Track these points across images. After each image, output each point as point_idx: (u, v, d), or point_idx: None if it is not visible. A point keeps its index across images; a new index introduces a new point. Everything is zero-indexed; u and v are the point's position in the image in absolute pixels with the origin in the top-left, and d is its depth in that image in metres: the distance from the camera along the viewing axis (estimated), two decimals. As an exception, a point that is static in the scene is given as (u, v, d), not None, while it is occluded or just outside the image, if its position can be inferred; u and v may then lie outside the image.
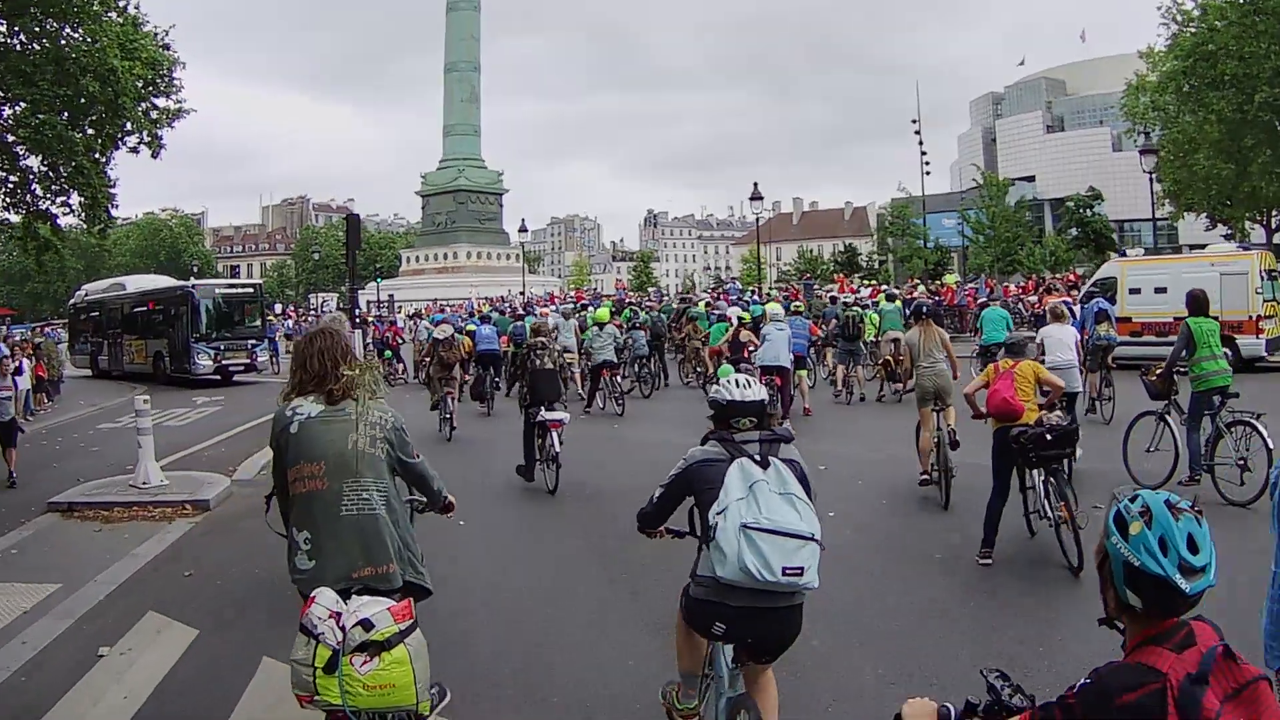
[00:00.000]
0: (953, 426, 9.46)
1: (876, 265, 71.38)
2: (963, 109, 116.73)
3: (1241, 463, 8.48)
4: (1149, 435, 9.50)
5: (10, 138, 18.47)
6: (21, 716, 4.94)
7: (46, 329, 49.90)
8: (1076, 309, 15.86)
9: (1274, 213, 34.46)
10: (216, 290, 29.81)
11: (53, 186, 20.87)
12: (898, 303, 20.81)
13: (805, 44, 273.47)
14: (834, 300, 24.00)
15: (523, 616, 6.37)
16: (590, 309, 25.50)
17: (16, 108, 18.45)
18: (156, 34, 20.69)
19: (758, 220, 42.03)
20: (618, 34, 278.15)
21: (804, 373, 16.30)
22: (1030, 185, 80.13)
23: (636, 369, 20.15)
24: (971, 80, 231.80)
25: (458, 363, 16.12)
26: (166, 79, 20.79)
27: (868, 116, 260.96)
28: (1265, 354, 18.26)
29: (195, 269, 76.37)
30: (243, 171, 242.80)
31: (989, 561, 7.05)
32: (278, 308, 55.73)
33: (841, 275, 50.02)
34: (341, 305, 54.32)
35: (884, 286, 36.20)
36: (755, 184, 36.62)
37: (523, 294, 49.99)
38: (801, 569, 3.44)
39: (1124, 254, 24.37)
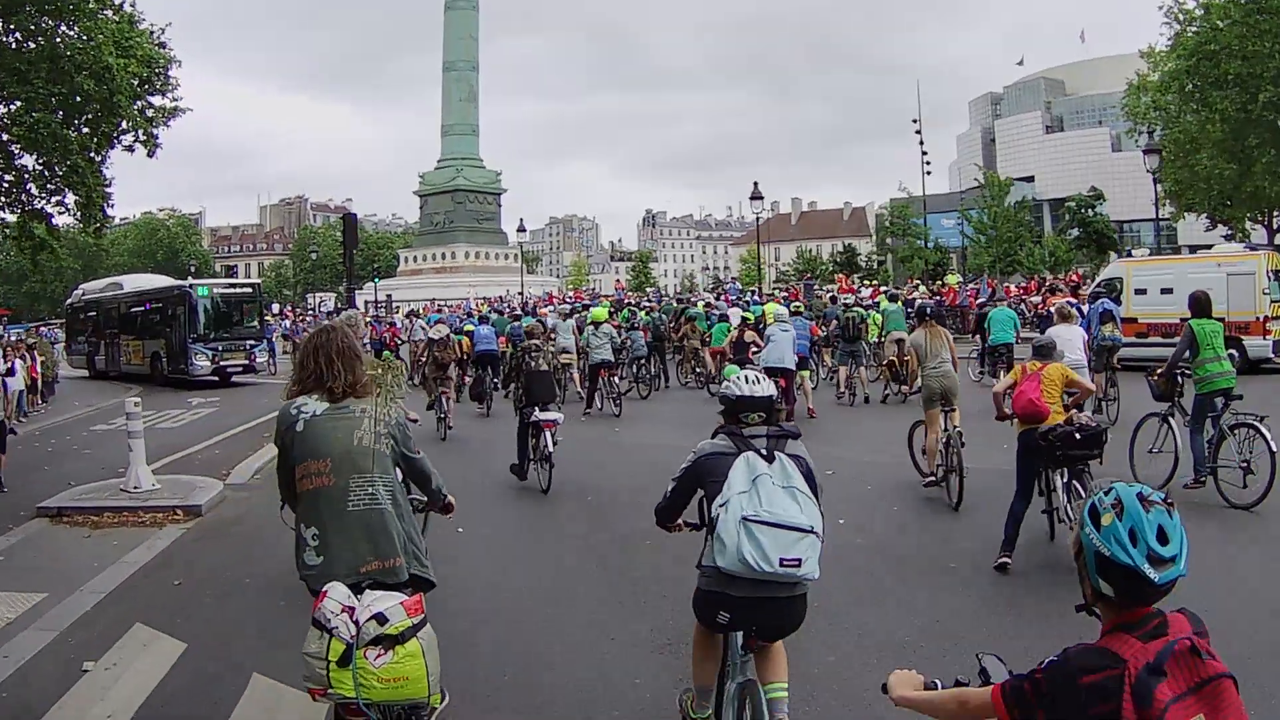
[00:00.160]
0: (958, 428, 9.34)
1: (875, 266, 71.23)
2: (962, 109, 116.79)
3: (1244, 465, 8.40)
4: (1155, 437, 9.42)
5: (5, 136, 18.25)
6: (0, 735, 4.76)
7: (42, 329, 49.72)
8: (1085, 308, 15.68)
9: (1276, 213, 34.27)
10: (215, 289, 29.38)
11: (48, 185, 20.72)
12: (900, 303, 20.66)
13: (805, 44, 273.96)
14: (834, 300, 23.82)
15: (522, 617, 6.34)
16: (589, 309, 25.30)
17: (11, 106, 18.25)
18: (152, 32, 20.52)
19: (758, 220, 41.88)
20: (617, 34, 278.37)
21: (806, 374, 16.12)
22: (1029, 186, 79.99)
23: (635, 370, 19.96)
24: (971, 80, 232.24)
25: (453, 362, 16.03)
26: (162, 77, 20.63)
27: (867, 116, 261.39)
28: (1272, 355, 18.02)
29: (193, 269, 75.97)
30: (241, 171, 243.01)
31: (1008, 560, 6.91)
32: (275, 308, 55.51)
33: (843, 275, 49.83)
34: (339, 305, 54.15)
35: (883, 287, 36.08)
36: (755, 183, 36.50)
37: (521, 294, 49.75)
38: (799, 560, 3.54)
39: (1129, 254, 24.22)
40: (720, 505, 3.64)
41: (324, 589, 3.35)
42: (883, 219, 77.55)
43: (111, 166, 20.66)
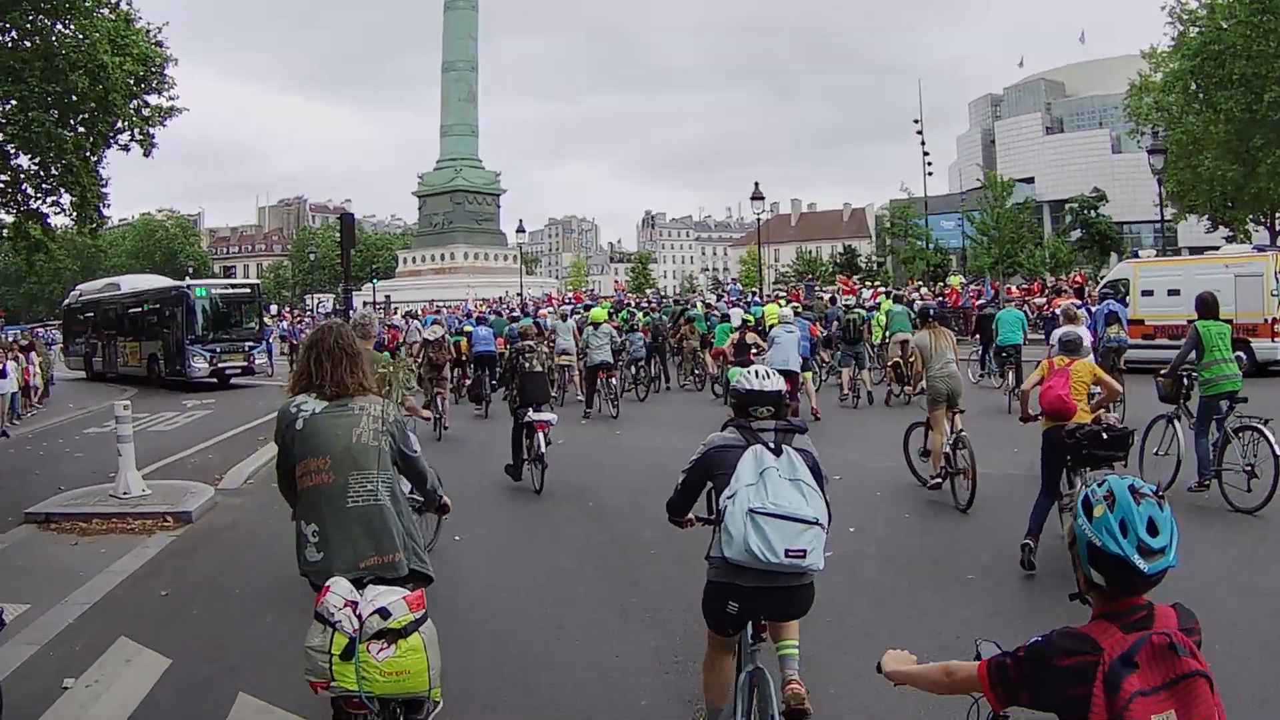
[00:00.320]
0: (962, 430, 9.26)
1: (875, 267, 71.04)
2: (962, 110, 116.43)
3: (1248, 469, 8.30)
4: (1160, 439, 9.36)
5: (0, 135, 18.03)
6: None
7: (39, 330, 49.49)
8: (1093, 309, 15.54)
9: (1279, 214, 34.10)
10: (213, 290, 28.97)
11: (43, 185, 20.54)
12: (904, 304, 20.50)
13: (805, 44, 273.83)
14: (833, 301, 23.62)
15: (521, 618, 6.31)
16: (589, 310, 25.09)
17: (6, 105, 18.04)
18: (149, 30, 20.35)
19: (759, 220, 41.63)
20: (617, 34, 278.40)
21: (809, 375, 15.92)
22: (1029, 187, 79.87)
23: (634, 372, 19.76)
24: (971, 80, 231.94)
25: (448, 363, 15.94)
26: (158, 76, 20.44)
27: (867, 117, 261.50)
28: None
29: (191, 270, 75.71)
30: (240, 171, 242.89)
31: (1030, 544, 6.81)
32: (273, 309, 55.27)
33: (845, 276, 49.63)
34: (337, 306, 53.90)
35: (883, 288, 35.88)
36: (756, 184, 36.27)
37: (520, 295, 49.53)
38: (804, 551, 3.62)
39: (1135, 255, 24.01)
40: (728, 497, 3.71)
41: (327, 584, 3.39)
42: (883, 220, 77.38)
43: (108, 166, 20.44)
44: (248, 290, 31.10)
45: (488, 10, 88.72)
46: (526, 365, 10.94)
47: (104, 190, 20.76)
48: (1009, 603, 6.40)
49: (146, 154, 20.75)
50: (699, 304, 28.49)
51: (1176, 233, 61.87)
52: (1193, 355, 8.89)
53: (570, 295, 53.52)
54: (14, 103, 17.79)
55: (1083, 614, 2.28)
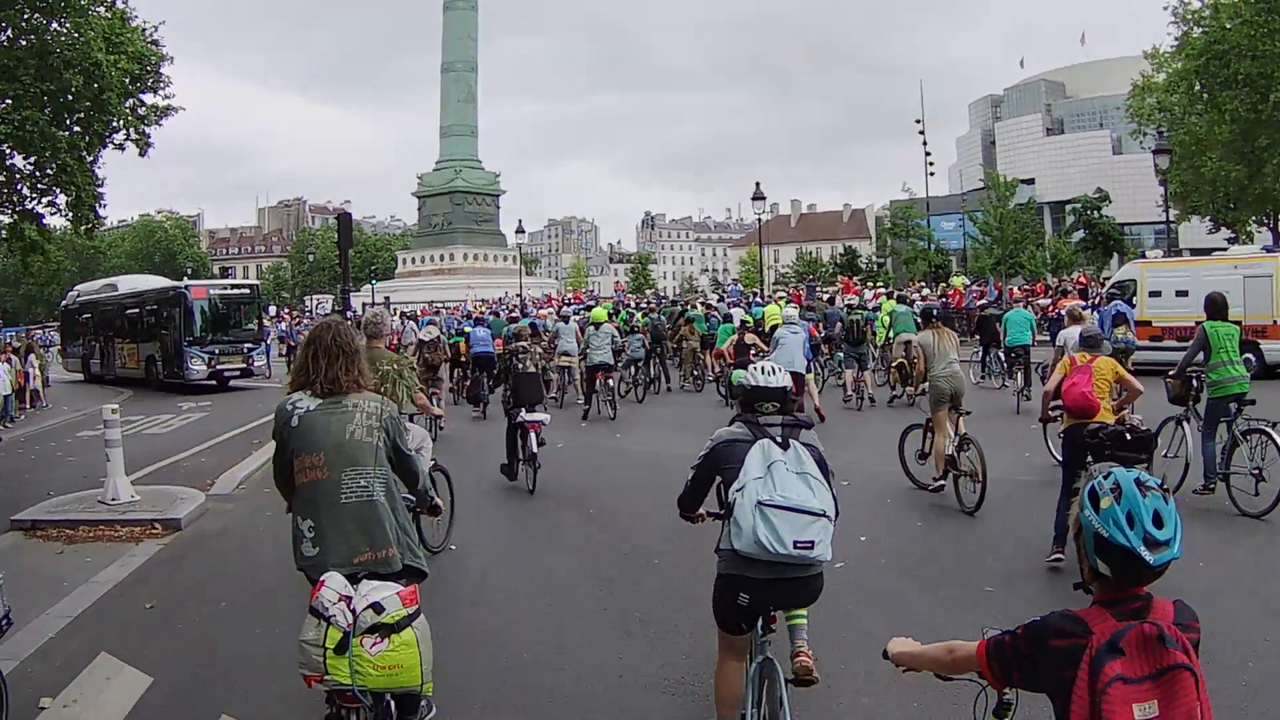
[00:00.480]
0: (966, 433, 9.15)
1: (876, 268, 70.83)
2: (961, 111, 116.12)
3: (1256, 472, 8.21)
4: (1169, 441, 9.28)
5: (-7, 134, 17.82)
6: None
7: (37, 332, 49.26)
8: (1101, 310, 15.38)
9: (1282, 215, 33.93)
10: (211, 290, 28.56)
11: (38, 186, 20.34)
12: (909, 305, 20.30)
13: (805, 44, 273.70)
14: (831, 302, 23.42)
15: (519, 618, 6.29)
16: (591, 310, 24.89)
17: (1, 104, 17.84)
18: (145, 29, 20.16)
19: (759, 220, 41.42)
20: (617, 34, 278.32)
21: (810, 376, 15.73)
22: (1029, 188, 79.71)
23: (632, 373, 19.55)
24: (971, 81, 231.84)
25: (443, 363, 15.83)
26: (154, 74, 20.26)
27: (867, 117, 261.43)
28: None
29: (190, 271, 75.42)
30: (240, 171, 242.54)
31: (1060, 558, 6.69)
32: (271, 310, 55.00)
33: (847, 278, 49.42)
34: (336, 307, 53.67)
35: (882, 289, 35.67)
36: (757, 184, 36.11)
37: (519, 296, 49.32)
38: (812, 542, 3.69)
39: (1143, 256, 23.79)
40: (737, 490, 3.78)
41: (322, 578, 3.43)
42: (883, 221, 77.15)
43: (103, 166, 20.24)
44: (247, 291, 30.65)
45: (488, 10, 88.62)
46: (520, 366, 11.06)
47: (99, 190, 20.60)
48: (1030, 616, 6.14)
49: (142, 153, 20.57)
50: (699, 305, 28.25)
51: (1177, 234, 61.64)
52: (1200, 356, 8.80)
53: (570, 296, 53.29)
54: (8, 101, 17.61)
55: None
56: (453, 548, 8.05)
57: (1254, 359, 14.04)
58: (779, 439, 3.90)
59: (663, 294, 64.56)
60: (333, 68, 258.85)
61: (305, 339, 4.01)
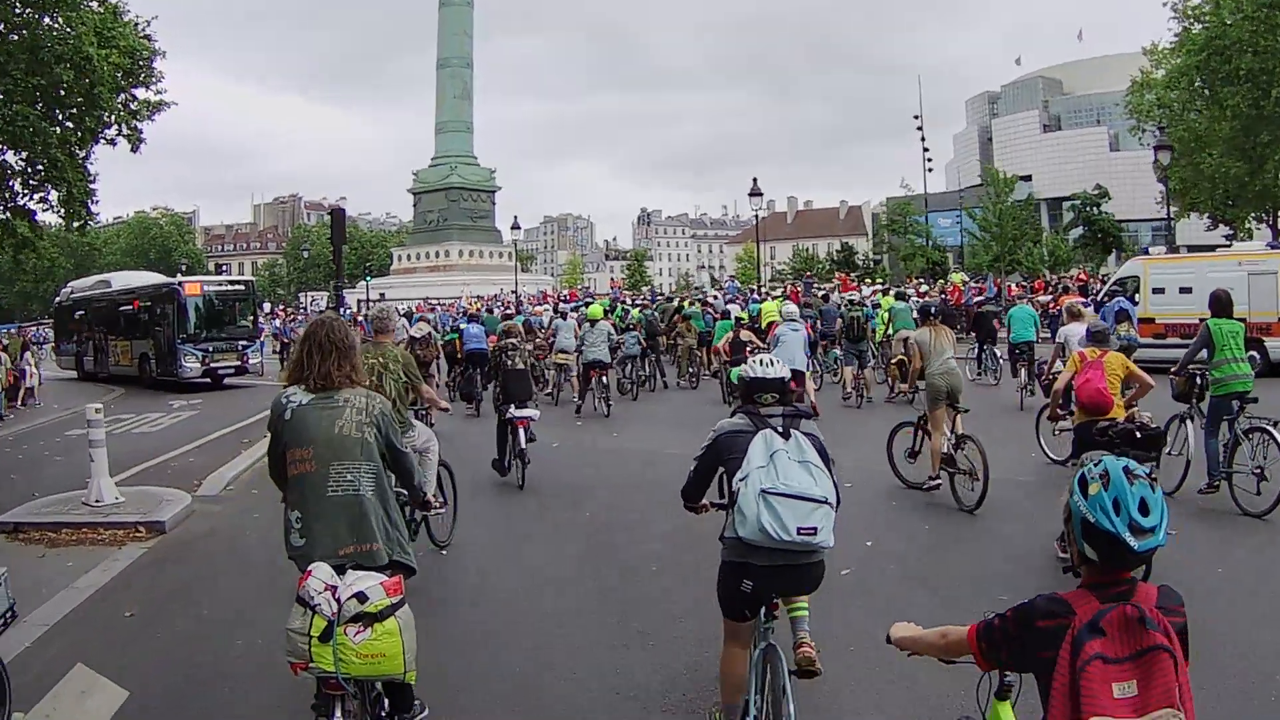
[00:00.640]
0: (962, 431, 9.08)
1: (872, 264, 70.71)
2: (959, 110, 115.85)
3: (1258, 471, 8.14)
4: (1172, 439, 9.05)
5: (-14, 130, 17.63)
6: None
7: (31, 329, 48.93)
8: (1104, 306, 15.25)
9: (1282, 212, 33.83)
10: (205, 287, 28.04)
11: (30, 181, 20.15)
12: (908, 302, 20.18)
13: (805, 44, 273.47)
14: (826, 299, 23.21)
15: (518, 617, 6.25)
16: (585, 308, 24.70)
17: (-8, 99, 17.63)
18: (137, 24, 19.98)
19: (757, 216, 41.15)
20: (617, 34, 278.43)
21: (807, 372, 15.55)
22: (1027, 185, 79.65)
23: (627, 370, 19.36)
24: (970, 80, 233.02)
25: (433, 360, 15.73)
26: (146, 69, 20.07)
27: (866, 116, 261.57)
28: None
29: (184, 267, 75.09)
30: (240, 170, 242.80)
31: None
32: (266, 307, 54.74)
33: (844, 274, 49.23)
34: (329, 304, 53.43)
35: (879, 285, 35.54)
36: (755, 179, 35.84)
37: (515, 293, 49.09)
38: (815, 529, 3.76)
39: (1146, 252, 23.63)
40: (740, 479, 3.85)
41: (309, 568, 3.50)
42: (880, 218, 77.00)
43: (96, 162, 20.06)
44: (241, 287, 30.03)
45: (488, 10, 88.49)
46: (509, 363, 11.18)
47: (91, 186, 20.40)
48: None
49: (134, 149, 20.40)
50: (696, 302, 27.99)
51: (1174, 231, 61.57)
52: (1203, 354, 8.73)
53: (566, 293, 53.06)
54: (0, 96, 17.41)
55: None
56: (444, 551, 7.91)
57: (1257, 357, 13.85)
58: (780, 429, 3.96)
59: (659, 291, 64.27)
60: (332, 68, 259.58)
61: (302, 335, 4.09)
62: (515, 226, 52.21)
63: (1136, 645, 2.14)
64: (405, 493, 4.47)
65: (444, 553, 7.89)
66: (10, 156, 19.30)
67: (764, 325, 18.99)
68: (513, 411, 10.68)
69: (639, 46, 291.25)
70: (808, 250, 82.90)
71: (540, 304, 39.26)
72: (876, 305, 22.10)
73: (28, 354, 25.35)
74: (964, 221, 54.92)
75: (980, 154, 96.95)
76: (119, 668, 5.55)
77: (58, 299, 38.88)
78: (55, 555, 8.31)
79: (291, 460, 3.81)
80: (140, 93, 20.27)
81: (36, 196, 20.53)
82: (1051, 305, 25.03)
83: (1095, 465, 2.32)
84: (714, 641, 4.05)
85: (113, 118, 19.72)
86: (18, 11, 17.64)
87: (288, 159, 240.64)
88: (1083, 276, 33.33)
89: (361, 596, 3.37)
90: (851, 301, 21.57)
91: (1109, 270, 44.43)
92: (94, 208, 21.11)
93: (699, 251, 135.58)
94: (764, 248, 62.59)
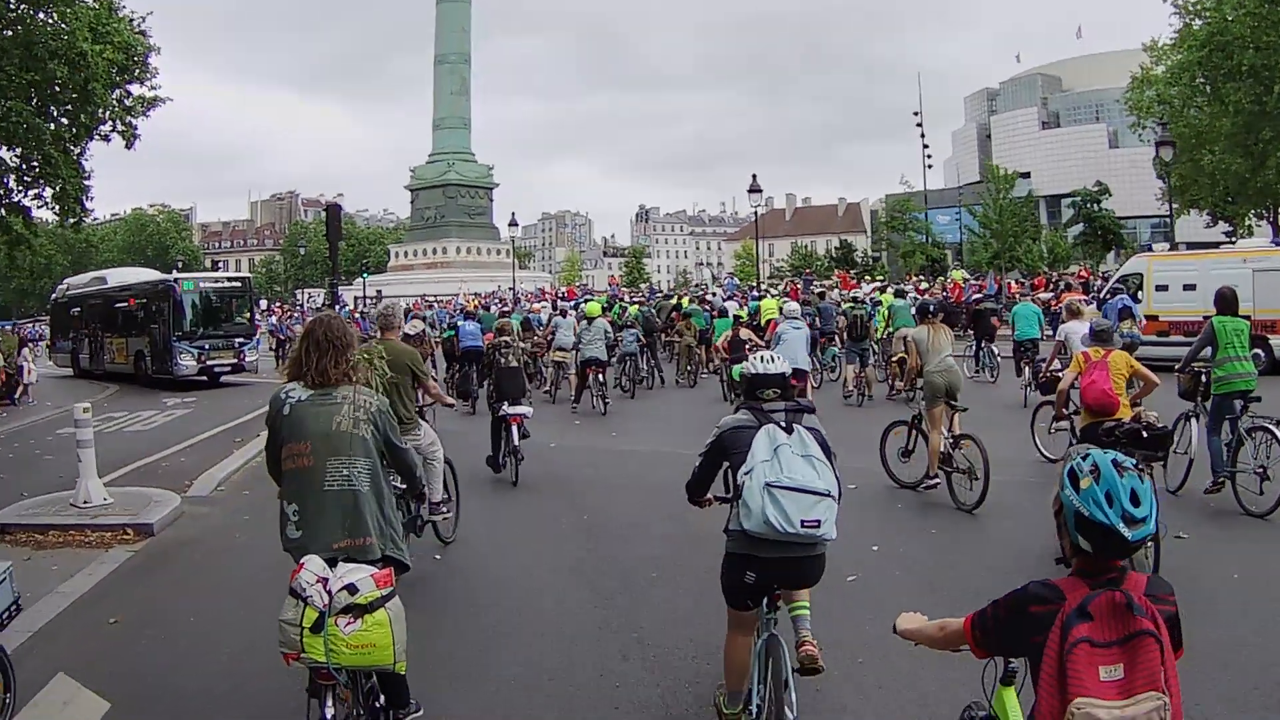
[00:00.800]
0: (963, 433, 9.00)
1: (871, 261, 70.58)
2: (958, 107, 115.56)
3: (1261, 471, 8.06)
4: (1177, 438, 8.93)
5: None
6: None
7: (28, 326, 48.74)
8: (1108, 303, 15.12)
9: (1283, 209, 33.73)
10: (201, 284, 27.67)
11: (24, 178, 20.01)
12: (908, 299, 20.05)
13: (803, 44, 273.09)
14: (821, 296, 23.06)
15: (517, 616, 6.25)
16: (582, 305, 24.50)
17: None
18: (132, 19, 19.84)
19: (755, 213, 40.96)
20: (616, 34, 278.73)
21: (808, 370, 15.44)
22: (1026, 182, 79.56)
23: (625, 368, 19.18)
24: (969, 80, 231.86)
25: (428, 357, 15.59)
26: (141, 65, 19.93)
27: (863, 116, 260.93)
28: None
29: (180, 264, 74.86)
30: (238, 169, 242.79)
31: None
32: (262, 304, 54.50)
33: (844, 272, 49.09)
34: (326, 301, 53.25)
35: (878, 282, 35.41)
36: (754, 175, 35.74)
37: (512, 290, 48.94)
38: (819, 521, 3.82)
39: (1149, 249, 23.50)
40: (745, 473, 3.91)
41: (302, 561, 3.56)
42: (879, 215, 76.87)
43: (91, 159, 19.93)
44: (238, 284, 29.74)
45: (487, 9, 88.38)
46: (502, 361, 11.27)
47: (86, 183, 20.27)
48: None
49: (129, 145, 20.27)
50: (695, 299, 27.81)
51: (1173, 228, 61.49)
52: (1207, 351, 8.64)
53: (564, 291, 52.88)
54: (-7, 93, 17.28)
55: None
56: (438, 556, 7.79)
57: (1263, 354, 13.72)
58: (783, 424, 4.03)
59: (656, 288, 64.12)
60: (331, 67, 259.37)
61: (301, 332, 4.14)
62: (513, 223, 52.09)
63: (1123, 630, 2.20)
64: (405, 488, 4.50)
65: (437, 557, 7.76)
66: (4, 153, 19.18)
67: (763, 323, 18.87)
68: (506, 409, 10.74)
69: (638, 46, 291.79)
70: (806, 247, 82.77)
71: (538, 301, 39.04)
72: (877, 303, 21.94)
73: (25, 350, 25.14)
74: (963, 218, 54.81)
75: (979, 151, 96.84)
76: (101, 677, 5.39)
77: (53, 296, 38.65)
78: (41, 558, 8.12)
79: (288, 455, 3.85)
80: (135, 89, 20.17)
81: (31, 193, 20.44)
82: (1053, 303, 24.93)
83: (1084, 459, 2.36)
84: (715, 652, 4.02)
85: (107, 114, 19.61)
86: (11, 7, 17.51)
87: (285, 157, 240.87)
88: (1084, 274, 33.21)
89: (352, 588, 3.42)
90: (854, 299, 21.43)
91: (1109, 267, 44.30)
92: (89, 204, 21.01)
93: (697, 248, 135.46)
94: (763, 245, 62.53)
